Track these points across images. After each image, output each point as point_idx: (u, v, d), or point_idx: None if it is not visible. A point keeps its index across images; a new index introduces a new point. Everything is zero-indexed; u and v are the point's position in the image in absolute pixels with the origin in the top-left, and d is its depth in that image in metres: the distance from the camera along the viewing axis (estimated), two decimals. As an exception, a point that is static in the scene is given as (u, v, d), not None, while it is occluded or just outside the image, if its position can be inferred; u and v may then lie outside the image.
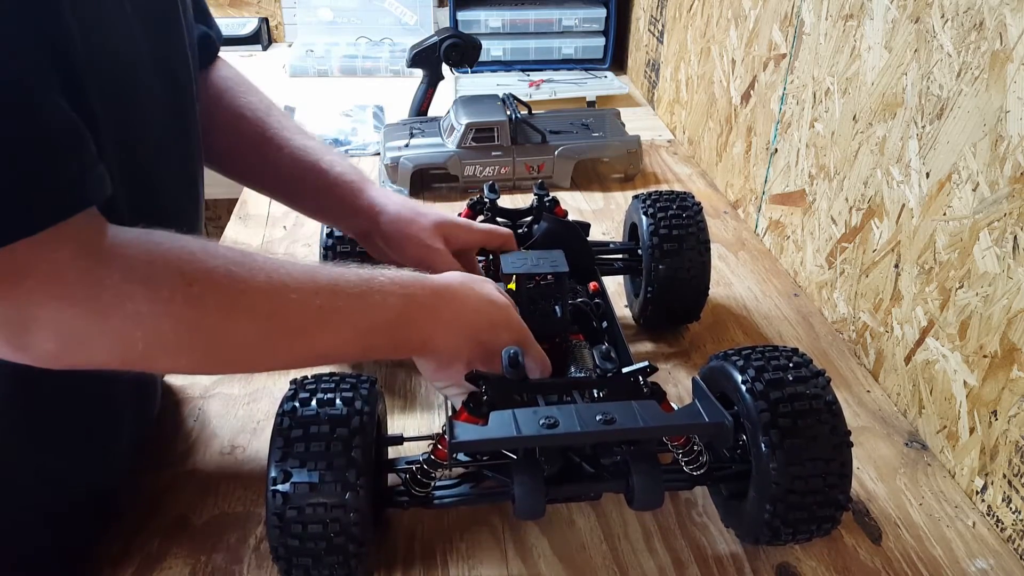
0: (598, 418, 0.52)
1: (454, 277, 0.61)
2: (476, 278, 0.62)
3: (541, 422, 0.51)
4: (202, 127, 0.67)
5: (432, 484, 0.57)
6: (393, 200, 0.75)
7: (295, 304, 0.50)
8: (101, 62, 0.48)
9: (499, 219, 0.83)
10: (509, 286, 0.69)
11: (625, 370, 0.59)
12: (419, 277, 0.58)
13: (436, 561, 0.62)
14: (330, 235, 0.81)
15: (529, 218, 0.83)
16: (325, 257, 0.81)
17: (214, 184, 1.42)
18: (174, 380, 0.80)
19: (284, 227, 1.13)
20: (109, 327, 0.43)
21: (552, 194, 0.84)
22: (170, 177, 0.62)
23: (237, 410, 0.77)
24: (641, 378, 0.59)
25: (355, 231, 0.77)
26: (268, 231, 1.12)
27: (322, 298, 0.51)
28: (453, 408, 0.62)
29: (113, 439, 0.65)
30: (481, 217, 0.82)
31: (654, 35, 1.58)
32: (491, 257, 0.77)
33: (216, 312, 0.47)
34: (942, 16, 0.70)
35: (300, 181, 0.74)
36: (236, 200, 1.21)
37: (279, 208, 1.18)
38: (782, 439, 0.55)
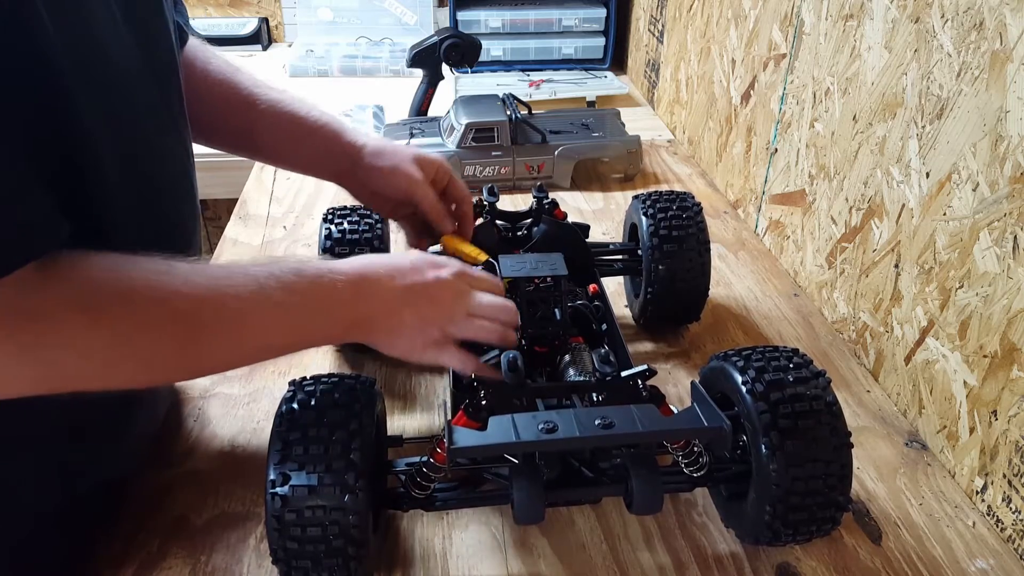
0: (597, 423, 0.52)
1: (374, 257, 0.62)
2: (398, 254, 0.64)
3: (540, 427, 0.51)
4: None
5: (432, 486, 0.57)
6: (372, 136, 0.77)
7: (216, 304, 0.50)
8: (94, 77, 0.48)
9: (498, 221, 0.83)
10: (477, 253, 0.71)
11: (624, 374, 0.59)
12: (342, 262, 0.59)
13: (436, 561, 0.62)
14: (328, 236, 0.81)
15: (528, 220, 0.83)
16: (324, 252, 0.80)
17: (214, 184, 1.44)
18: (174, 380, 0.80)
19: (284, 227, 1.13)
20: (40, 357, 0.44)
21: (551, 196, 0.84)
22: (169, 182, 0.62)
23: (237, 410, 0.77)
24: (640, 382, 0.59)
25: (337, 172, 0.77)
26: (268, 231, 1.12)
27: (245, 294, 0.51)
28: (453, 400, 0.63)
29: (126, 431, 0.65)
30: (480, 220, 0.82)
31: (654, 35, 1.58)
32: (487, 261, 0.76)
33: (140, 324, 0.47)
34: (942, 16, 0.70)
35: (279, 132, 0.75)
36: (236, 200, 1.21)
37: (279, 208, 1.18)
38: (782, 440, 0.55)
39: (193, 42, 0.75)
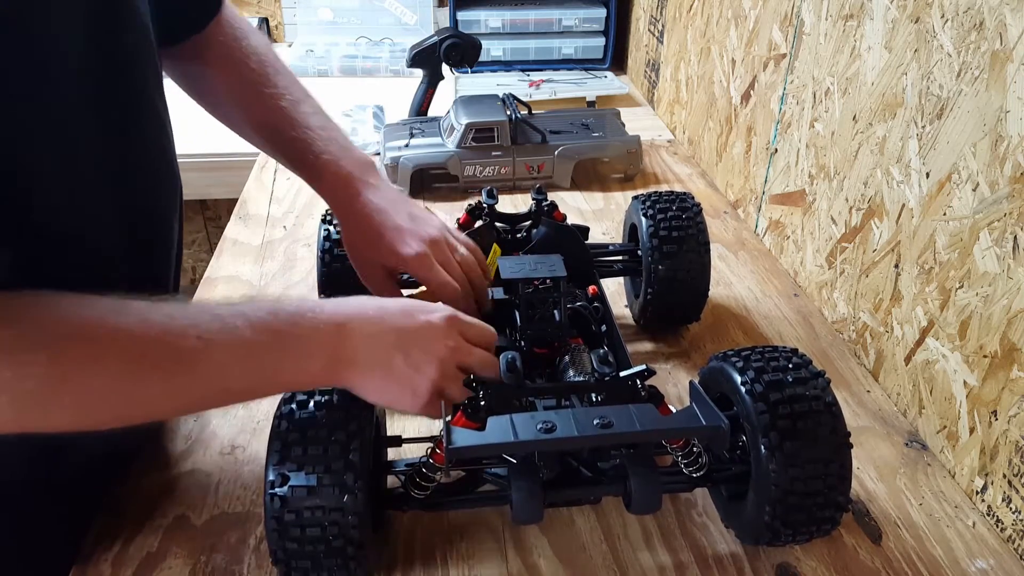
0: (595, 422, 0.52)
1: (355, 301, 0.58)
2: (380, 300, 0.60)
3: (538, 427, 0.51)
4: (209, 74, 0.68)
5: (431, 487, 0.57)
6: (381, 194, 0.72)
7: (170, 344, 0.47)
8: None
9: (498, 223, 0.83)
10: (491, 261, 0.69)
11: (623, 374, 0.60)
12: (327, 301, 0.56)
13: (436, 561, 0.62)
14: (327, 237, 0.81)
15: (528, 222, 0.83)
16: (323, 258, 0.80)
17: (214, 184, 1.44)
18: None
19: (284, 227, 1.13)
20: None
21: (551, 197, 0.84)
22: (137, 168, 0.61)
23: (237, 410, 0.77)
24: (639, 382, 0.59)
25: (334, 204, 0.74)
26: (268, 231, 1.12)
27: (206, 334, 0.48)
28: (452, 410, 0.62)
29: None
30: (480, 222, 0.82)
31: (654, 35, 1.58)
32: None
33: (82, 364, 0.45)
34: (942, 16, 0.70)
35: (293, 152, 0.72)
36: (236, 200, 1.21)
37: (279, 208, 1.18)
38: (782, 441, 0.55)
39: (232, 18, 0.73)
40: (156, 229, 0.67)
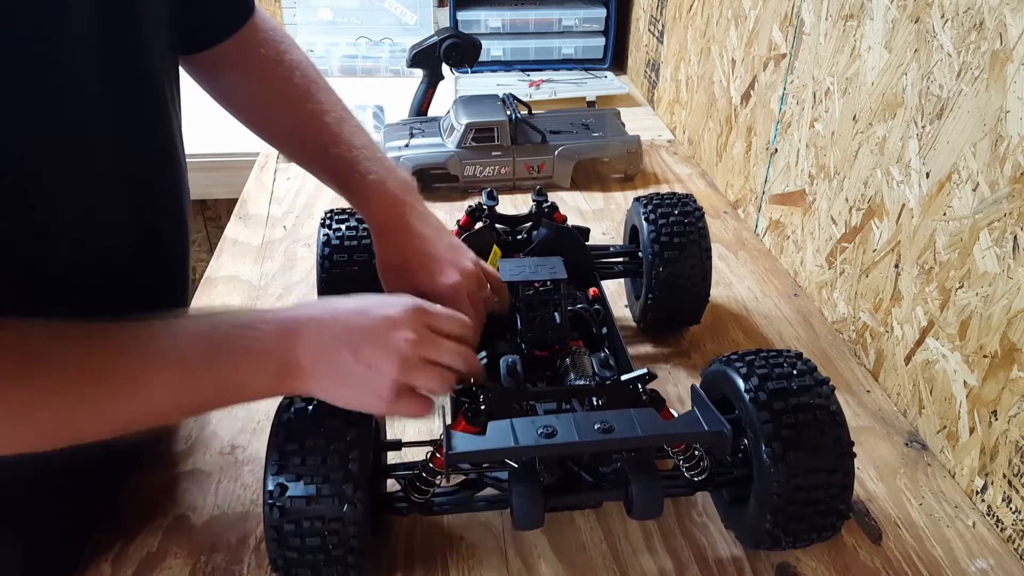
0: (596, 427, 0.52)
1: (311, 305, 0.57)
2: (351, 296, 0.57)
3: (539, 431, 0.51)
4: (250, 87, 0.69)
5: (431, 491, 0.57)
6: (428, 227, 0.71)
7: (107, 364, 0.47)
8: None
9: (498, 225, 0.83)
10: (491, 263, 0.69)
11: (624, 377, 0.59)
12: (279, 308, 0.54)
13: (436, 562, 0.62)
14: (327, 242, 0.80)
15: (528, 224, 0.83)
16: (323, 263, 0.80)
17: (214, 184, 1.44)
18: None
19: (284, 227, 1.13)
20: None
21: (551, 198, 0.84)
22: (140, 180, 0.60)
23: (237, 410, 0.77)
24: (640, 385, 0.58)
25: (370, 223, 0.73)
26: (268, 231, 1.12)
27: (147, 352, 0.48)
28: (452, 415, 0.62)
29: None
30: (480, 224, 0.82)
31: (654, 35, 1.58)
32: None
33: (16, 387, 0.44)
34: (942, 16, 0.70)
35: (329, 165, 0.72)
36: (236, 200, 1.21)
37: (279, 208, 1.18)
38: (785, 451, 0.54)
39: (272, 30, 0.73)
40: (169, 229, 0.67)
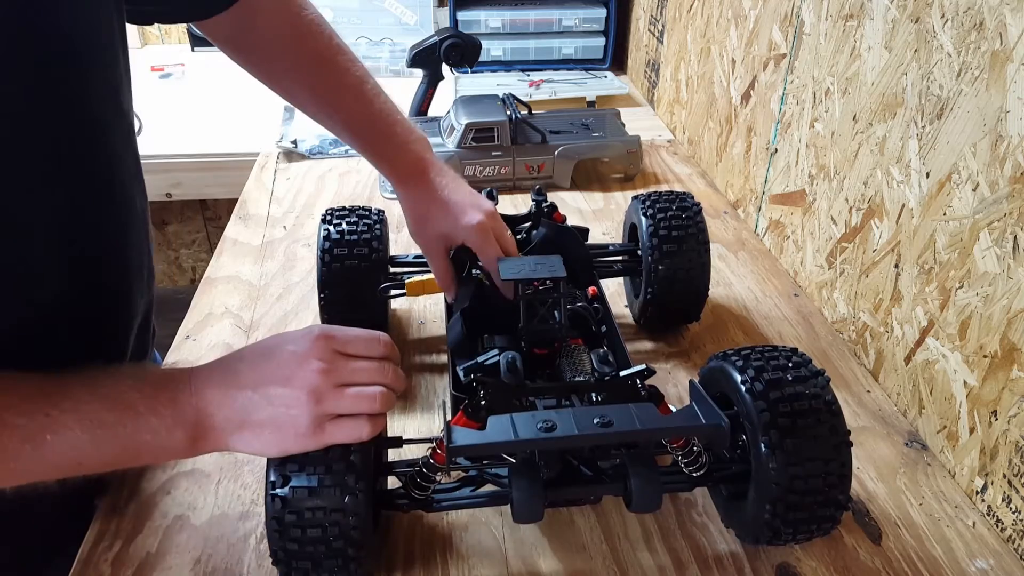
0: (595, 421, 0.52)
1: (221, 361, 0.55)
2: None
3: (539, 426, 0.51)
4: (274, 45, 0.72)
5: (432, 487, 0.58)
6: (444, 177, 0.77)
7: (14, 421, 0.46)
8: None
9: None
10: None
11: (623, 373, 0.60)
12: (187, 376, 0.53)
13: (436, 561, 0.62)
14: (327, 237, 0.81)
15: (528, 224, 0.83)
16: (323, 258, 0.80)
17: (214, 184, 1.44)
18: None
19: (284, 227, 1.13)
20: None
21: (550, 198, 0.84)
22: (92, 168, 0.56)
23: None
24: (639, 381, 0.59)
25: (396, 178, 0.78)
26: (268, 231, 1.12)
27: (45, 412, 0.47)
28: (453, 400, 0.63)
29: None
30: None
31: (654, 35, 1.58)
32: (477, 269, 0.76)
33: None
34: (942, 16, 0.70)
35: (357, 118, 0.76)
36: (236, 200, 1.21)
37: (279, 208, 1.18)
38: (782, 439, 0.55)
39: None
40: (103, 246, 0.60)
